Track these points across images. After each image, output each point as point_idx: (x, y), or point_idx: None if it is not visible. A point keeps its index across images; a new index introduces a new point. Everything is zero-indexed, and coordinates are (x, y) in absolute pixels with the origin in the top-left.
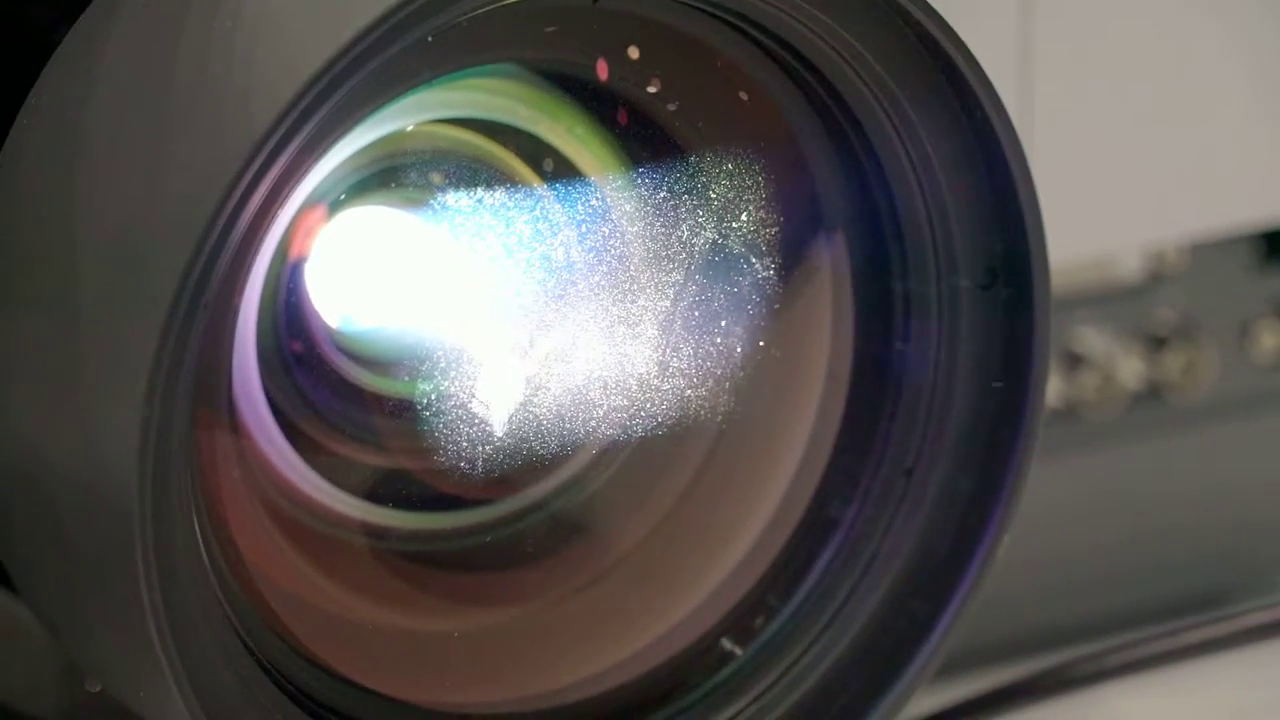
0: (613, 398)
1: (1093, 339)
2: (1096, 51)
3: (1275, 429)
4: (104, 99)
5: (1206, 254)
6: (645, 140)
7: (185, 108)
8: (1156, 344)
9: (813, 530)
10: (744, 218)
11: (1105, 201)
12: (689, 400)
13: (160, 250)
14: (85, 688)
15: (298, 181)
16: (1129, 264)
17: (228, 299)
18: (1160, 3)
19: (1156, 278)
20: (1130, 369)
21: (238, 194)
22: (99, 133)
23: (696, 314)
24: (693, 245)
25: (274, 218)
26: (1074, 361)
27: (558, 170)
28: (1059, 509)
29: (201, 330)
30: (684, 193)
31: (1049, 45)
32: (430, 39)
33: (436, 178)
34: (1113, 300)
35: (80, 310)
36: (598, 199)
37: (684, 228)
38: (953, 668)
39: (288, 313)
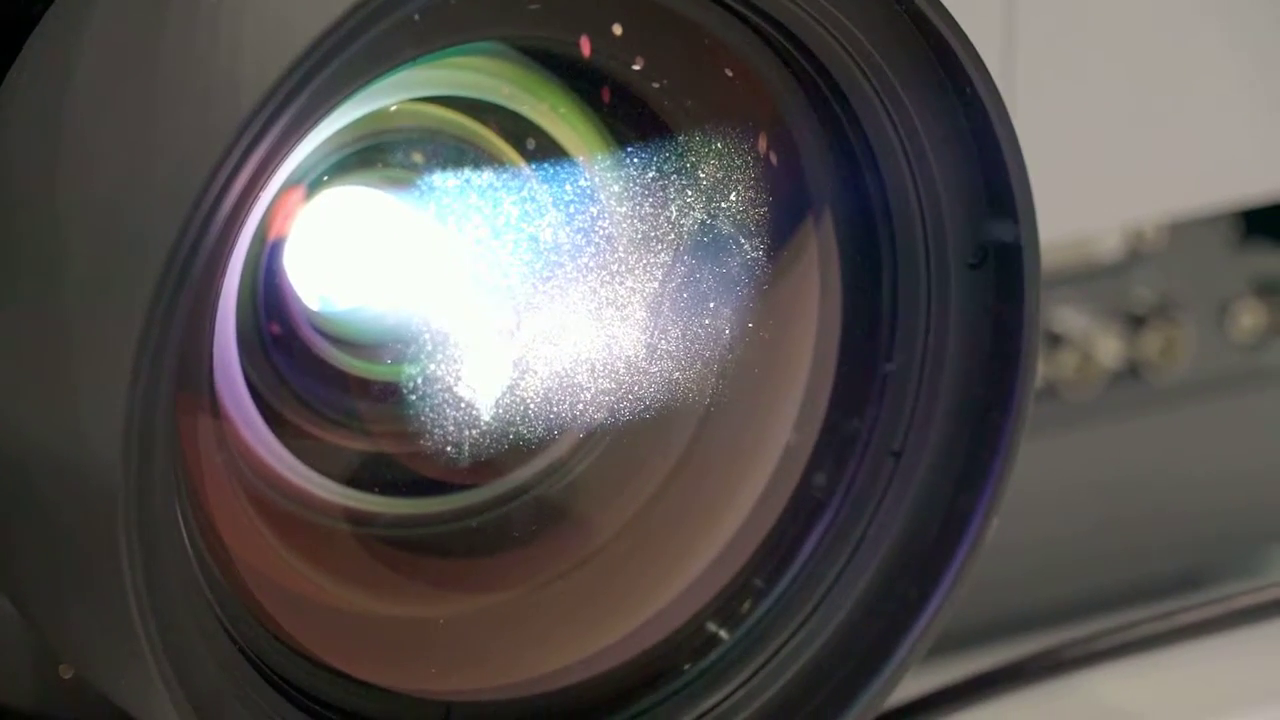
0: (600, 380)
1: (1071, 318)
2: (1078, 31)
3: (1253, 408)
4: (87, 78)
5: (1185, 233)
6: (631, 119)
7: (171, 86)
8: (1135, 323)
9: (799, 513)
10: (732, 198)
11: (1085, 180)
12: (676, 383)
13: (146, 231)
14: (59, 674)
15: (281, 161)
16: (1108, 243)
17: (210, 281)
18: None
19: (1135, 257)
20: (1109, 348)
21: (224, 174)
22: (83, 112)
23: (685, 296)
24: (681, 226)
25: (257, 198)
26: (1053, 341)
27: (542, 149)
28: (1037, 489)
29: (186, 312)
30: (671, 172)
31: (1031, 25)
32: (416, 17)
33: (418, 157)
34: (1091, 279)
35: (65, 290)
36: (584, 179)
37: (672, 208)
38: (932, 651)
39: (267, 295)
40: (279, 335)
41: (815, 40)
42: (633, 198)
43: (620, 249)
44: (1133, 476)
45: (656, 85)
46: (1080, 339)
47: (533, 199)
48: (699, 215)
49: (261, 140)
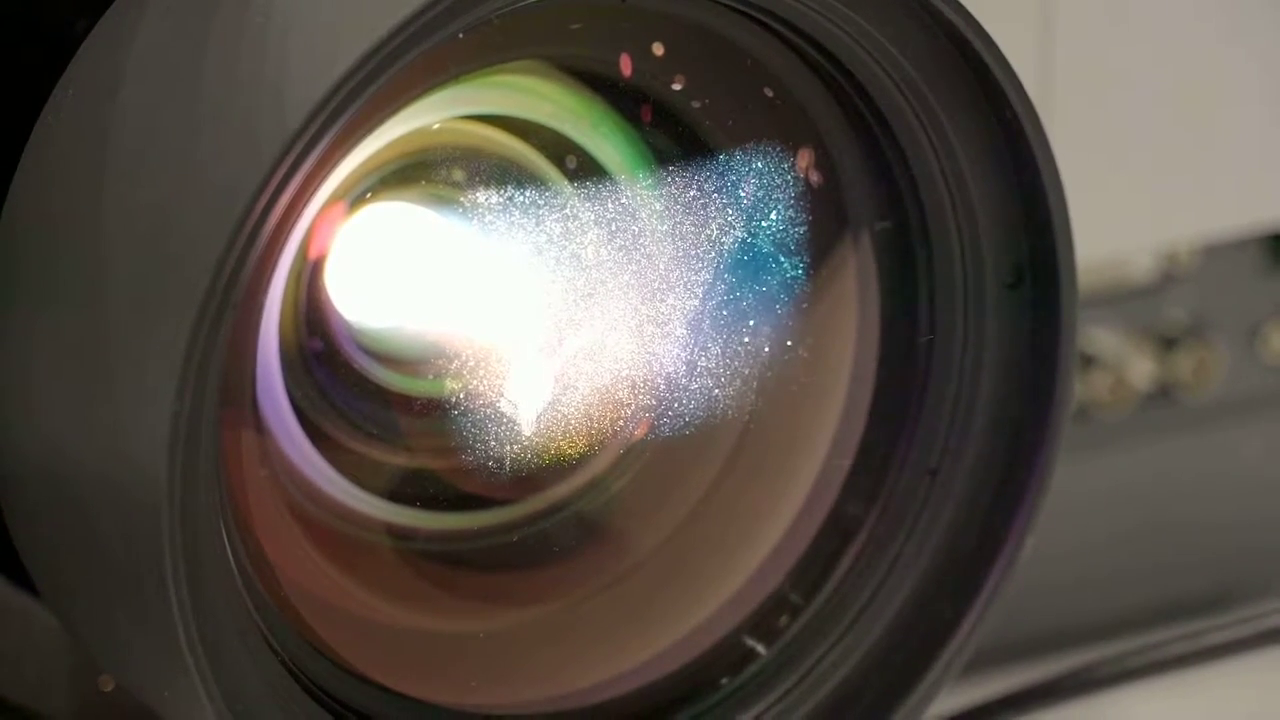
0: (641, 397)
1: (1104, 339)
2: (1114, 56)
3: None
4: (133, 94)
5: (1218, 255)
6: (672, 138)
7: (217, 104)
8: (1167, 344)
9: (837, 530)
10: (772, 216)
11: (1119, 203)
12: (716, 399)
13: (191, 247)
14: (99, 686)
15: (325, 178)
16: (1141, 264)
17: (254, 297)
18: (1176, 8)
19: (1168, 278)
20: (1141, 369)
21: (269, 192)
22: (128, 128)
23: (725, 313)
24: (721, 244)
25: (300, 215)
26: (1085, 362)
27: (583, 168)
28: (1069, 509)
29: (230, 328)
30: (712, 191)
31: (1068, 49)
32: (460, 36)
33: (460, 174)
34: (1124, 301)
35: (110, 306)
36: (625, 197)
37: (712, 226)
38: (965, 668)
39: (309, 311)
40: (321, 351)
41: (855, 61)
42: (673, 216)
43: (661, 266)
44: (1165, 496)
45: (697, 105)
46: (1113, 360)
47: (574, 217)
48: (739, 234)
49: (306, 157)
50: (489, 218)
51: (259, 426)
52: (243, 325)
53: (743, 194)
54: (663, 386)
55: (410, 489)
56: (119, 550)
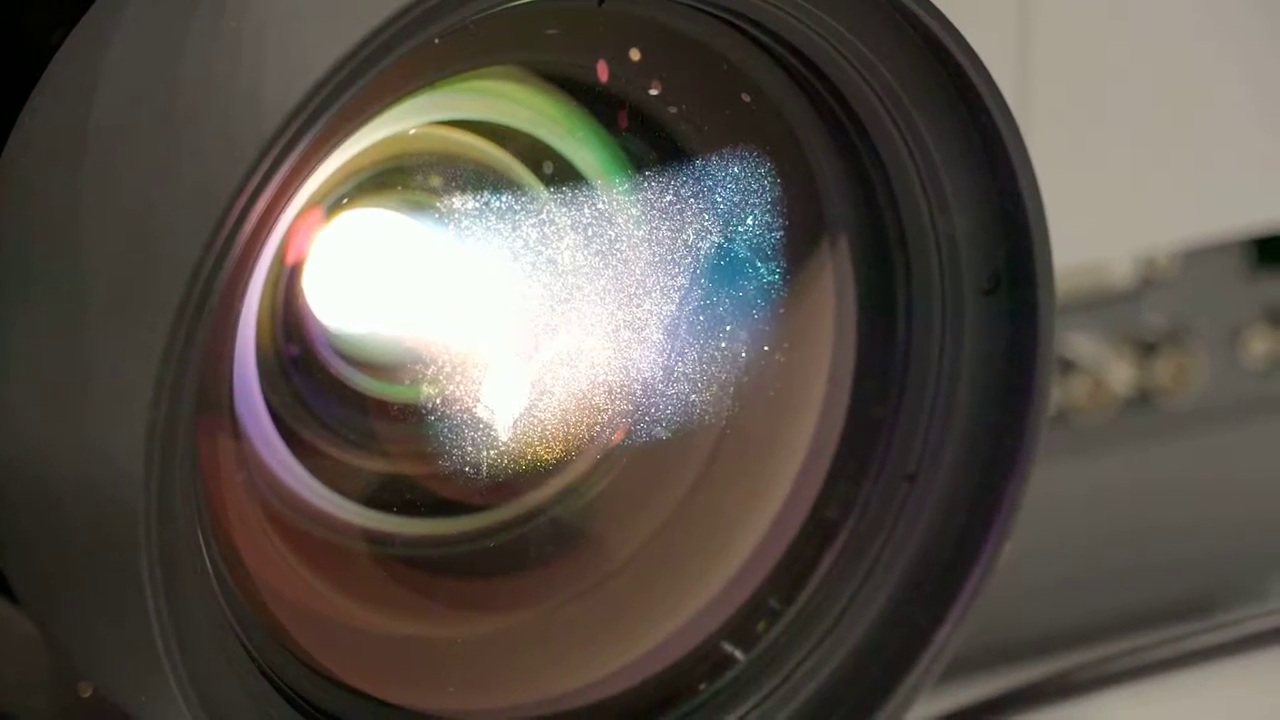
0: (617, 402)
1: (1084, 345)
2: (1092, 61)
3: (1265, 434)
4: (109, 101)
5: (1197, 260)
6: (648, 143)
7: (192, 109)
8: (1147, 350)
9: (815, 535)
10: (749, 221)
11: (1098, 208)
12: (693, 405)
13: (168, 252)
14: (78, 693)
15: (301, 183)
16: (1120, 270)
17: (231, 302)
18: (1155, 12)
19: (1147, 284)
20: (1121, 375)
21: (245, 197)
22: (104, 135)
23: (702, 318)
24: (698, 249)
25: (277, 220)
26: (1065, 367)
27: (560, 173)
28: (1048, 514)
29: (207, 334)
30: (689, 196)
31: (1046, 55)
32: (436, 41)
33: (437, 180)
34: (1103, 306)
35: (86, 311)
36: (602, 202)
37: (689, 231)
38: (944, 674)
39: (286, 317)
40: (298, 357)
41: (832, 67)
42: (650, 221)
43: (638, 272)
44: (1144, 502)
45: (674, 110)
46: (1092, 365)
47: (551, 222)
48: (716, 239)
49: (282, 163)
50: (466, 223)
51: (236, 432)
52: (220, 330)
53: (719, 199)
54: (640, 392)
55: (387, 494)
56: (96, 555)
